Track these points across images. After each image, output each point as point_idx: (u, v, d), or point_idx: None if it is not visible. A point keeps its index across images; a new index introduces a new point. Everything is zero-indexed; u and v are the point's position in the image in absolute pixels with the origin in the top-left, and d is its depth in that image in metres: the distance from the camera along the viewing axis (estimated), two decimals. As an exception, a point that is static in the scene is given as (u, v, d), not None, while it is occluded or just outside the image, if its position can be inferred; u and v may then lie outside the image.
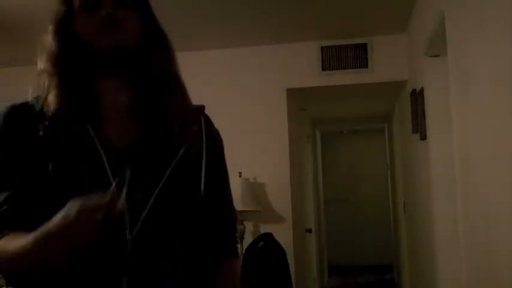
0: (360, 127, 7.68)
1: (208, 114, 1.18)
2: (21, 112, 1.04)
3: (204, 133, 1.12)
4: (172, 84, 1.10)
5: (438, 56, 2.70)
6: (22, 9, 3.02)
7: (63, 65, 1.04)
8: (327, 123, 6.97)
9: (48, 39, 1.06)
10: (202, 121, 1.14)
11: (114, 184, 0.93)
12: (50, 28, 1.07)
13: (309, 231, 5.07)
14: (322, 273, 6.45)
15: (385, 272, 7.35)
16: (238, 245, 1.31)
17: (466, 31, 1.96)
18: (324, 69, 3.86)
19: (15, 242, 0.94)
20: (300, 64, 3.91)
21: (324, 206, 7.08)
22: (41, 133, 0.99)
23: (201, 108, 1.16)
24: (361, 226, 8.16)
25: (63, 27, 1.05)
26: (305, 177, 5.27)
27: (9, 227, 0.98)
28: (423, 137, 3.06)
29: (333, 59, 3.85)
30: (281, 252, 3.31)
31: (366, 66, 3.80)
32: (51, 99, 1.02)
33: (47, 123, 1.00)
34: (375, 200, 7.99)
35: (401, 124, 4.75)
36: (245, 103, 3.92)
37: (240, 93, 3.94)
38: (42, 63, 1.06)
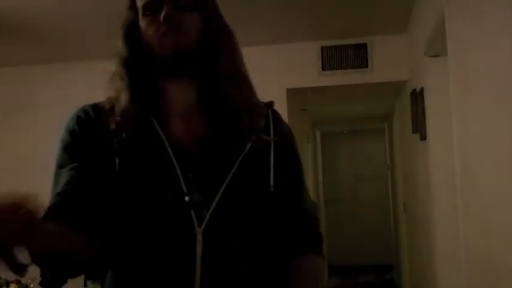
0: (360, 127, 7.69)
1: (277, 110, 1.19)
2: (92, 110, 1.08)
3: (272, 128, 1.13)
4: (236, 80, 1.10)
5: (438, 56, 2.70)
6: (22, 10, 3.02)
7: (131, 67, 1.06)
8: (327, 123, 6.98)
9: (118, 44, 1.09)
10: (271, 116, 1.15)
11: (181, 178, 0.98)
12: (119, 33, 1.10)
13: (309, 231, 5.06)
14: (322, 273, 6.46)
15: (385, 272, 7.34)
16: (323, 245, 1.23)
17: (466, 31, 1.96)
18: (324, 69, 3.86)
19: None
20: (300, 64, 3.91)
21: (324, 206, 7.09)
22: (112, 126, 1.02)
23: (270, 103, 1.17)
24: (361, 226, 8.16)
25: (130, 32, 1.08)
26: (305, 177, 5.26)
27: (66, 210, 0.98)
28: (423, 137, 3.07)
29: (333, 59, 3.84)
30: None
31: (366, 66, 3.80)
32: (121, 98, 1.05)
33: (118, 118, 1.02)
34: (375, 200, 7.99)
35: (401, 124, 4.75)
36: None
37: (240, 93, 3.93)
38: (114, 67, 1.09)
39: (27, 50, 3.81)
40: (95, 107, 1.09)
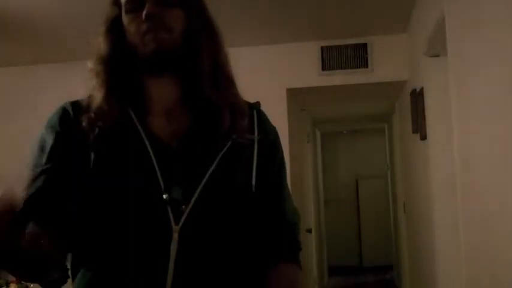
0: (360, 127, 7.69)
1: (263, 111, 1.17)
2: (72, 107, 1.06)
3: (256, 128, 1.10)
4: (218, 79, 1.08)
5: (438, 56, 2.70)
6: (22, 10, 3.02)
7: (110, 64, 1.05)
8: (327, 123, 6.97)
9: (99, 40, 1.07)
10: (255, 116, 1.13)
11: (159, 174, 0.95)
12: (101, 29, 1.08)
13: (309, 231, 5.07)
14: (322, 274, 6.45)
15: (385, 272, 7.35)
16: (300, 252, 1.18)
17: (466, 31, 1.96)
18: (324, 69, 3.86)
19: None
20: (300, 64, 3.91)
21: (324, 206, 7.08)
22: (84, 124, 1.00)
23: (256, 104, 1.16)
24: (361, 226, 8.17)
25: (112, 29, 1.06)
26: (305, 177, 5.27)
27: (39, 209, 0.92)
28: (423, 137, 3.07)
29: (333, 59, 3.84)
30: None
31: (366, 66, 3.80)
32: (97, 94, 1.03)
33: (92, 115, 1.01)
34: (375, 200, 7.99)
35: (401, 124, 4.75)
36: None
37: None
38: (91, 64, 1.07)
39: (27, 50, 3.81)
40: (75, 104, 1.07)
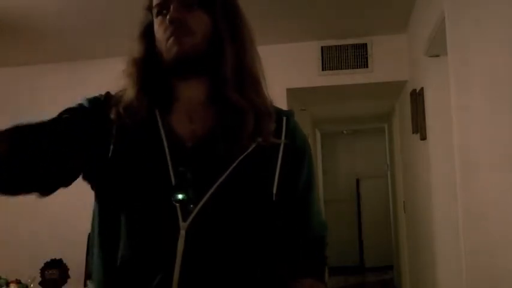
0: (360, 127, 7.69)
1: (295, 120, 1.15)
2: (104, 98, 1.09)
3: (283, 134, 1.08)
4: (243, 81, 1.07)
5: (438, 56, 2.70)
6: (22, 10, 3.02)
7: (142, 67, 1.06)
8: (327, 123, 6.97)
9: (133, 44, 1.10)
10: (284, 122, 1.11)
11: (171, 171, 0.97)
12: (135, 33, 1.10)
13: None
14: (322, 273, 6.45)
15: (385, 272, 7.35)
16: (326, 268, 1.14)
17: (466, 31, 1.96)
18: (324, 69, 3.86)
19: None
20: (300, 64, 3.91)
21: (324, 206, 7.09)
22: (112, 116, 1.02)
23: (288, 111, 1.15)
24: (361, 226, 8.17)
25: (146, 33, 1.08)
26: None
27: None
28: (423, 137, 3.07)
29: (333, 59, 3.85)
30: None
31: (366, 66, 3.81)
32: (128, 93, 1.05)
33: (120, 110, 1.03)
34: (375, 200, 7.98)
35: (401, 124, 4.75)
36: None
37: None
38: (124, 65, 1.09)
39: (27, 50, 3.81)
40: (107, 95, 1.09)
